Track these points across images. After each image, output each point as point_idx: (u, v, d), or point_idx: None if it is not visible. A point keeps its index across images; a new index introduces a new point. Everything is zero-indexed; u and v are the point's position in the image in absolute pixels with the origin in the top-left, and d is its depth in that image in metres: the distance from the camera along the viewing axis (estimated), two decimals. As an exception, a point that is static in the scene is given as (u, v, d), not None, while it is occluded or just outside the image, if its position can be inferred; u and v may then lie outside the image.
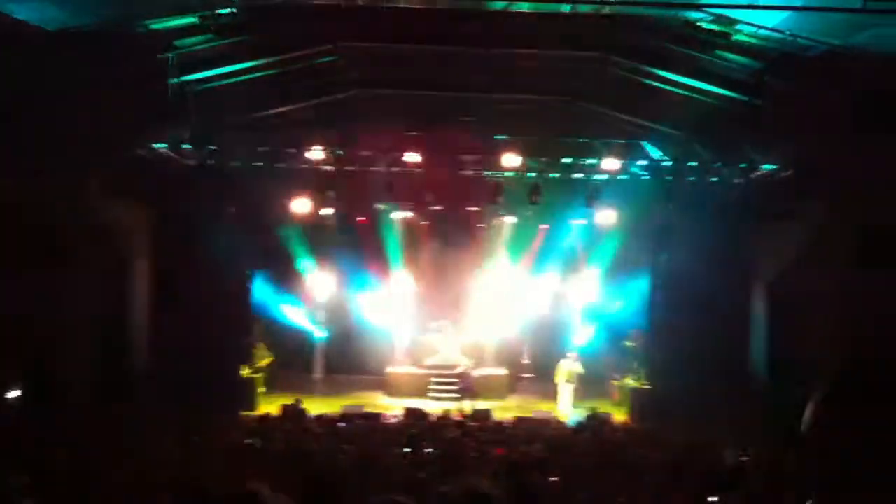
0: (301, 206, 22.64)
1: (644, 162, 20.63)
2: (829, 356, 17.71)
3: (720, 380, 20.62)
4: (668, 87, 18.24)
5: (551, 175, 21.12)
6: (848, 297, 17.14)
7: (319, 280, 26.47)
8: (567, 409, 23.31)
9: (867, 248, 16.67)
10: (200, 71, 17.29)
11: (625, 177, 20.89)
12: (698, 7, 14.63)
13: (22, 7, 13.47)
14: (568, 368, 23.83)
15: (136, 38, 15.16)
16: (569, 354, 24.29)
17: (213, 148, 19.95)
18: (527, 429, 18.83)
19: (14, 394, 16.50)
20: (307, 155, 20.37)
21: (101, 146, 16.92)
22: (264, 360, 24.27)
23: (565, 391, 23.76)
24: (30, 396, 16.42)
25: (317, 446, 15.40)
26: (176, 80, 16.69)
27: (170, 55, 16.17)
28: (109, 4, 14.04)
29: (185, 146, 19.38)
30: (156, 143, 18.44)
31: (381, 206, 24.55)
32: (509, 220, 25.58)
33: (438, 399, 23.91)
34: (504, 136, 20.60)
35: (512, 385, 26.17)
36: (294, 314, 26.55)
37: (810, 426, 2.09)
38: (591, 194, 21.30)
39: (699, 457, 15.51)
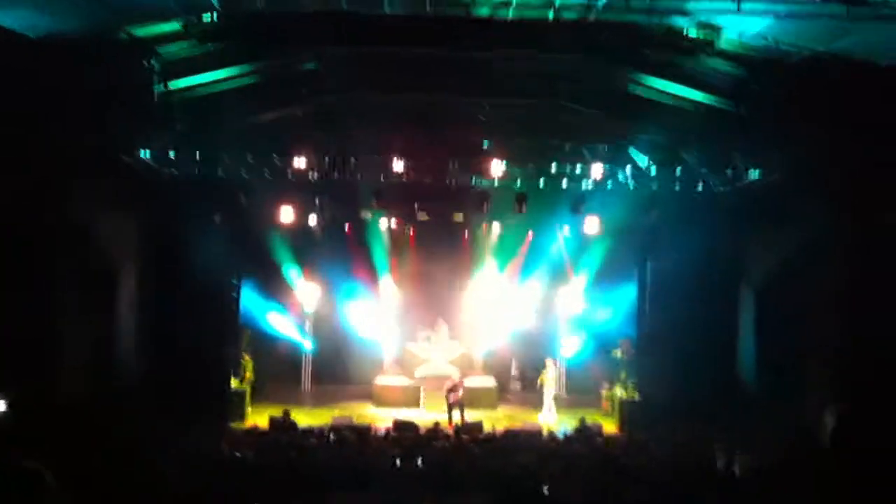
0: (287, 214, 22.53)
1: (630, 170, 20.61)
2: (817, 363, 17.74)
3: (709, 388, 20.62)
4: (653, 95, 18.27)
5: (538, 183, 21.09)
6: (837, 304, 17.14)
7: (306, 289, 26.42)
8: (545, 417, 23.38)
9: (857, 253, 16.69)
10: (184, 77, 17.22)
11: (611, 184, 20.86)
12: (683, 13, 14.64)
13: (5, 14, 13.40)
14: (542, 375, 24.07)
15: (119, 45, 15.10)
16: (546, 362, 24.41)
17: (197, 156, 19.88)
18: (517, 440, 18.81)
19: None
20: (293, 163, 20.31)
21: (85, 154, 16.85)
22: (248, 371, 24.20)
23: (545, 397, 23.90)
24: (17, 409, 16.29)
25: (306, 458, 15.35)
26: (160, 86, 16.64)
27: (154, 62, 16.11)
28: (93, 11, 13.94)
29: (170, 154, 19.32)
30: (141, 150, 18.37)
31: (367, 215, 24.51)
32: (496, 227, 25.59)
33: (430, 410, 23.81)
34: (490, 143, 20.58)
35: (501, 396, 26.10)
36: (281, 324, 26.46)
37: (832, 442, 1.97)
38: (576, 202, 21.30)
39: (692, 462, 15.55)
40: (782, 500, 12.53)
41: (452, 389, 23.28)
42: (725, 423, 19.41)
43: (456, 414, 22.76)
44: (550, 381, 24.19)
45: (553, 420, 23.27)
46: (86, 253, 18.48)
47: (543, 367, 24.65)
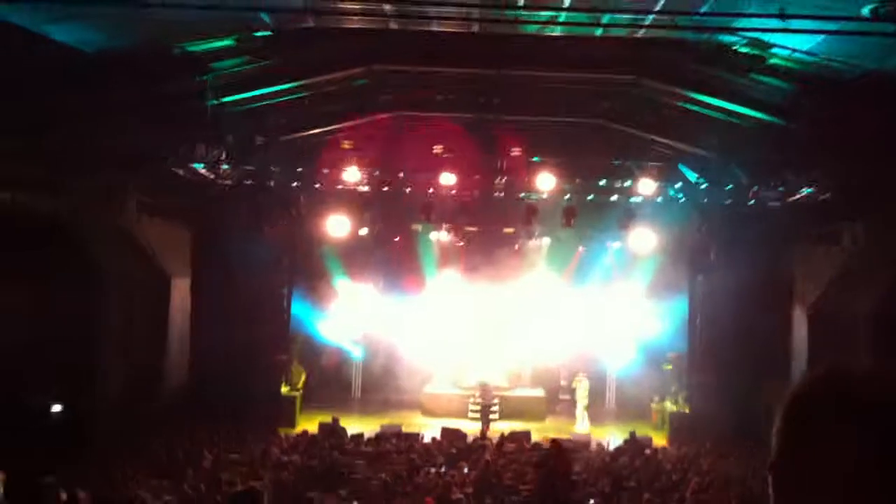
0: (338, 225, 22.77)
1: (680, 184, 20.52)
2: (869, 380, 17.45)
3: (760, 404, 20.40)
4: (703, 110, 18.18)
5: (587, 198, 21.11)
6: (889, 321, 16.88)
7: (357, 299, 26.66)
8: (581, 426, 23.65)
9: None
10: (237, 92, 17.49)
11: (661, 199, 20.79)
12: (732, 31, 14.56)
13: (60, 29, 13.72)
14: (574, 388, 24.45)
15: (173, 61, 15.38)
16: (578, 375, 24.54)
17: (249, 168, 20.17)
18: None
19: (56, 408, 16.76)
20: (343, 175, 20.55)
21: (139, 166, 17.21)
22: (300, 378, 24.54)
23: (577, 409, 24.30)
24: (70, 413, 16.66)
25: (354, 464, 15.56)
26: (213, 101, 16.90)
27: (207, 77, 16.37)
28: (146, 27, 14.23)
29: (223, 166, 19.63)
30: (194, 163, 18.72)
31: (417, 227, 24.68)
32: (545, 241, 25.61)
33: (477, 420, 23.87)
34: (538, 159, 20.63)
35: (549, 407, 26.08)
36: (332, 333, 26.70)
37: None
38: (626, 217, 21.24)
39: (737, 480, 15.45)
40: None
41: (484, 397, 23.58)
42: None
43: (484, 423, 22.95)
44: (583, 394, 24.14)
45: (585, 429, 23.37)
46: (140, 261, 18.86)
47: (576, 379, 24.87)
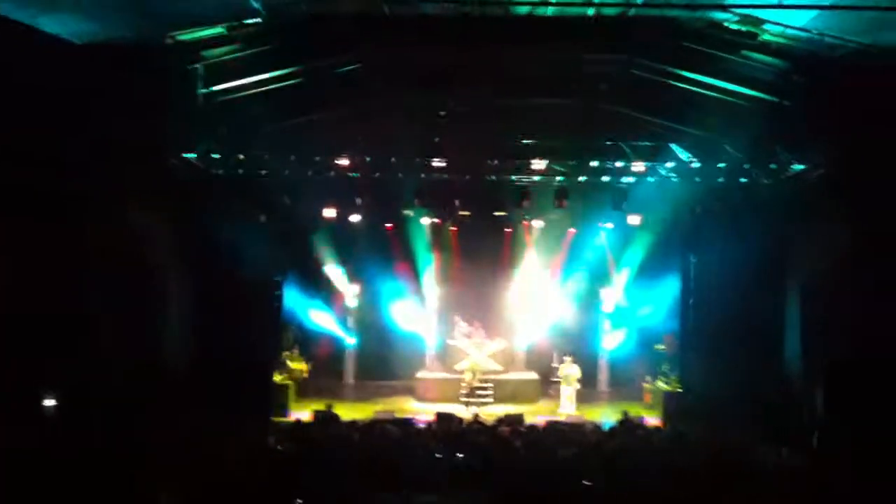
0: (330, 213, 22.71)
1: (672, 164, 20.48)
2: (862, 356, 17.55)
3: (754, 382, 20.47)
4: (694, 89, 18.16)
5: (578, 179, 21.06)
6: (881, 298, 16.95)
7: (349, 286, 26.65)
8: (565, 408, 23.69)
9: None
10: (228, 81, 17.37)
11: (653, 179, 20.75)
12: (724, 8, 14.58)
13: (51, 20, 13.62)
14: (565, 372, 24.24)
15: (163, 50, 15.28)
16: (565, 358, 24.51)
17: (241, 157, 20.04)
18: (559, 433, 18.79)
19: (50, 402, 16.64)
20: (335, 162, 20.46)
21: (129, 157, 17.06)
22: (301, 367, 24.53)
23: (564, 392, 24.09)
24: (64, 406, 16.55)
25: (350, 451, 15.47)
26: (204, 90, 16.78)
27: (197, 66, 16.26)
28: (137, 17, 14.13)
29: (213, 156, 19.48)
30: (185, 153, 18.55)
31: (408, 212, 24.63)
32: (537, 224, 25.61)
33: (468, 404, 23.90)
34: (530, 140, 20.56)
35: (543, 390, 26.12)
36: (324, 320, 26.68)
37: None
38: (618, 197, 21.21)
39: (733, 457, 15.46)
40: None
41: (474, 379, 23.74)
42: (770, 417, 19.32)
43: (472, 408, 23.07)
44: (571, 378, 24.16)
45: (568, 411, 23.43)
46: (132, 253, 18.69)
47: (561, 362, 24.87)
